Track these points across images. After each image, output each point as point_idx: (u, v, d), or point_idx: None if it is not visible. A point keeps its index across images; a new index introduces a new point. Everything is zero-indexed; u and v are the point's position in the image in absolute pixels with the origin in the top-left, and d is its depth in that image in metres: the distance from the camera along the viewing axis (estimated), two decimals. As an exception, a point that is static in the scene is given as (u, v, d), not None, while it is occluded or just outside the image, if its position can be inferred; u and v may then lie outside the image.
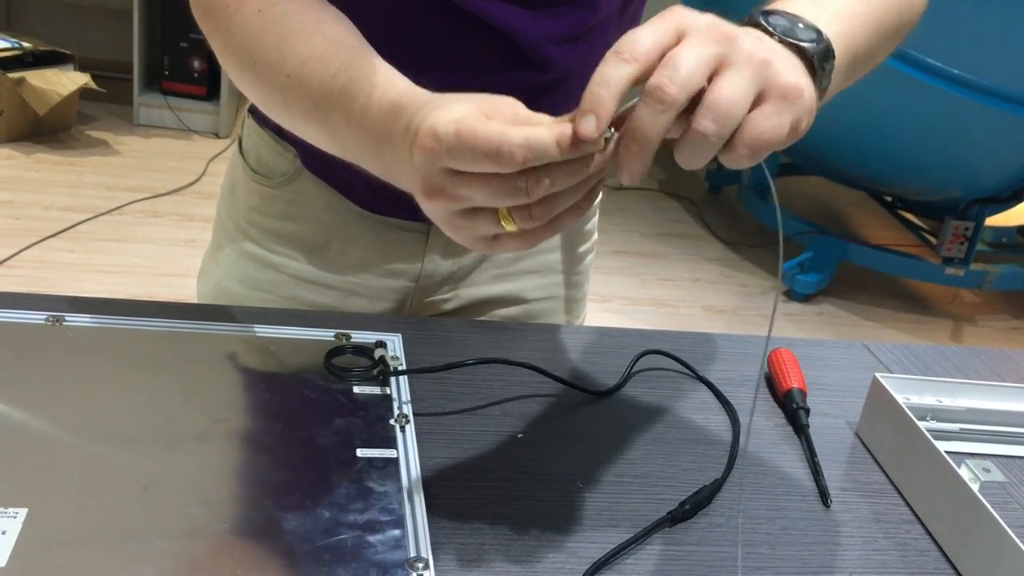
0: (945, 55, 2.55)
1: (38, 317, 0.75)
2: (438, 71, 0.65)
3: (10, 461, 0.60)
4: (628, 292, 2.93)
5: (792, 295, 3.09)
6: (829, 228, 3.29)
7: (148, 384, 0.70)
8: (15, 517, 0.55)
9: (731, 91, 0.49)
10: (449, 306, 0.94)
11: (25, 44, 3.04)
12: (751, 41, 0.52)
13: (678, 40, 0.50)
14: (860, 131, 2.87)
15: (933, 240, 3.28)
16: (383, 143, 0.58)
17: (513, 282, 0.96)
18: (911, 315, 3.14)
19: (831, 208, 3.87)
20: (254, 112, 0.90)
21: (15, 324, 0.74)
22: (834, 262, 3.12)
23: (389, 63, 0.62)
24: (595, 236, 1.03)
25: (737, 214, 3.61)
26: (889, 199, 3.71)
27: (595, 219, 1.02)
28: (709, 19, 0.51)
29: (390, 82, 0.59)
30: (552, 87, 0.80)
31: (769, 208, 3.30)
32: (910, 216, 3.64)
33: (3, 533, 0.54)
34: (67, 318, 0.75)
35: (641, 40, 0.49)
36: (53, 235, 2.55)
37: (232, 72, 0.69)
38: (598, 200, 0.94)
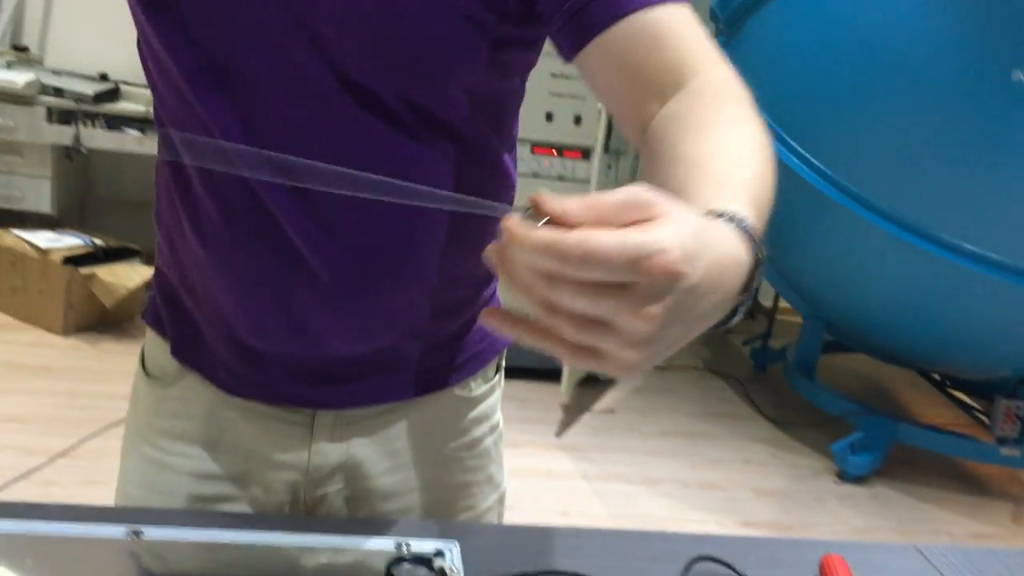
0: (982, 240, 2.60)
1: (118, 531, 0.79)
2: None
3: None
4: (677, 474, 2.92)
5: (844, 476, 3.04)
6: (878, 407, 3.27)
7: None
8: None
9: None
10: (341, 498, 0.93)
11: (96, 241, 3.23)
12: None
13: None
14: (903, 311, 2.90)
15: (986, 419, 3.24)
16: None
17: (404, 472, 0.94)
18: (969, 497, 3.07)
19: (879, 386, 3.86)
20: (144, 315, 0.96)
21: (95, 539, 0.78)
22: (885, 442, 3.08)
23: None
24: (493, 419, 1.00)
25: (783, 392, 3.60)
26: (938, 377, 3.69)
27: (490, 401, 0.99)
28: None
29: None
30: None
31: (816, 387, 3.30)
32: (960, 395, 3.61)
33: None
34: (145, 531, 0.80)
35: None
36: (113, 424, 2.63)
37: None
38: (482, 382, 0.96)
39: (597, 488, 2.73)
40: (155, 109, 0.84)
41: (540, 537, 0.91)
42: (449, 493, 0.97)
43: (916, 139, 2.58)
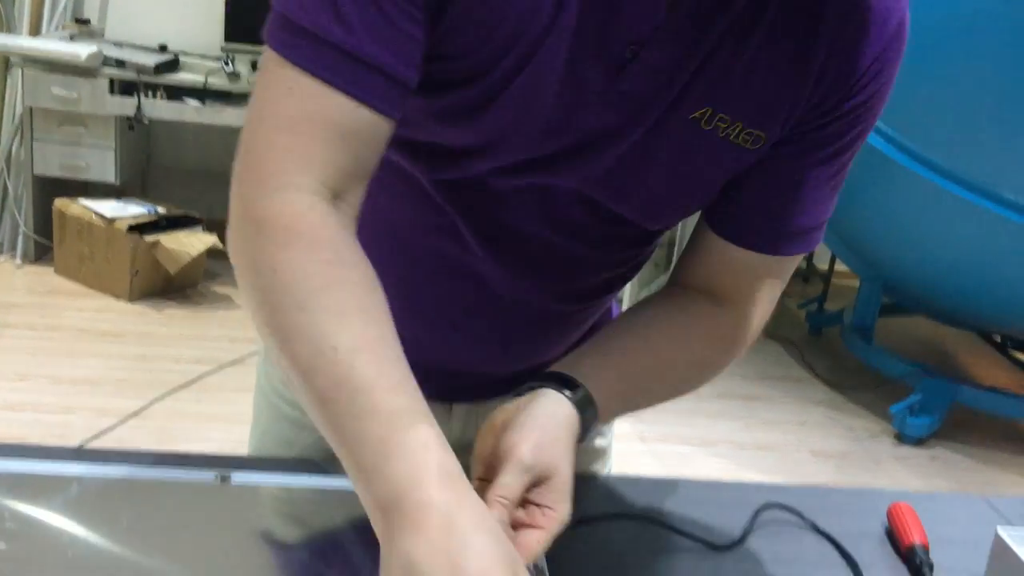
0: (1046, 197, 2.55)
1: (207, 476, 0.83)
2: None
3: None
4: (733, 436, 2.92)
5: (903, 438, 3.02)
6: (937, 369, 3.24)
7: (314, 544, 0.77)
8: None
9: None
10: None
11: (160, 209, 3.30)
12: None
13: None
14: (965, 271, 2.86)
15: (1049, 380, 3.19)
16: (395, 511, 0.56)
17: None
18: (1030, 459, 3.03)
19: (938, 349, 3.81)
20: None
21: (184, 483, 0.82)
22: (945, 404, 3.05)
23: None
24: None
25: (839, 355, 3.58)
26: (998, 339, 3.64)
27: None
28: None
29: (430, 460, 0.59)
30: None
31: (873, 349, 3.27)
32: (1022, 356, 3.55)
33: None
34: (234, 476, 0.83)
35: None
36: (181, 387, 2.70)
37: (258, 301, 0.63)
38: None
39: (654, 449, 2.75)
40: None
41: (608, 484, 0.93)
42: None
43: (977, 97, 2.53)
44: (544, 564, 0.76)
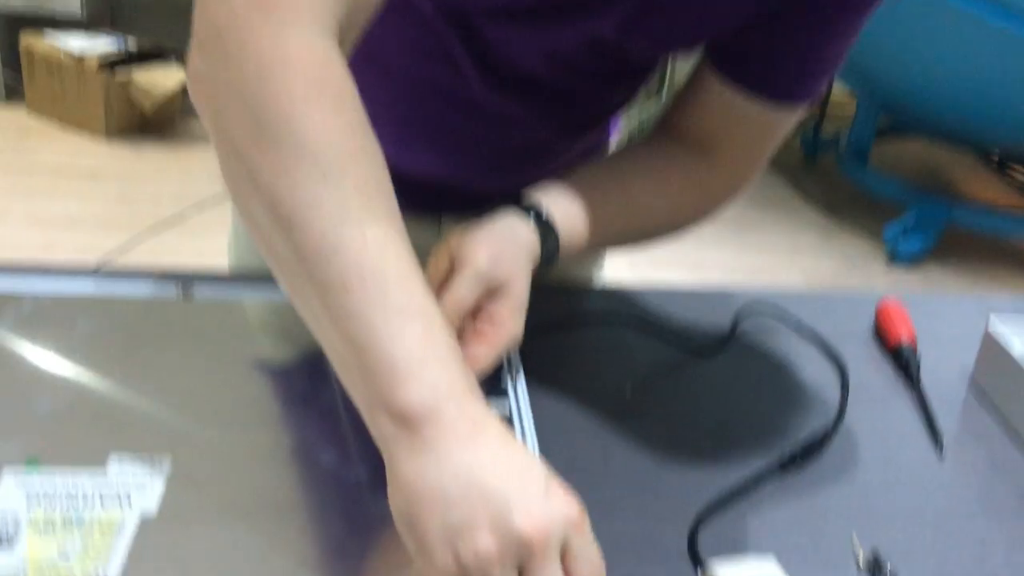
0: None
1: (169, 291, 0.80)
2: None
3: (154, 416, 0.64)
4: (724, 261, 2.91)
5: (897, 260, 3.01)
6: (932, 189, 3.19)
7: (280, 356, 0.74)
8: (161, 464, 0.59)
9: None
10: None
11: (130, 42, 3.16)
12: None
13: None
14: (966, 85, 2.77)
15: (1045, 198, 3.15)
16: (433, 421, 0.48)
17: None
18: None
19: (933, 171, 3.75)
20: None
21: (148, 299, 0.79)
22: (940, 224, 3.03)
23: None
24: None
25: (834, 181, 3.52)
26: (996, 159, 3.57)
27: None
28: None
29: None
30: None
31: (868, 171, 3.21)
32: (1018, 175, 3.50)
33: (152, 478, 0.58)
34: (197, 290, 0.80)
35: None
36: (163, 223, 2.66)
37: (253, 160, 0.51)
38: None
39: (643, 275, 2.73)
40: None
41: (586, 292, 0.90)
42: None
43: None
44: (519, 365, 0.73)
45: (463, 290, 0.64)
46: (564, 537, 0.46)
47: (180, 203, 2.78)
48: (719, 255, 2.93)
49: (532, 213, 0.70)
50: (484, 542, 0.44)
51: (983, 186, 3.62)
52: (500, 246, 0.66)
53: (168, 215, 2.70)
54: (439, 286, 0.65)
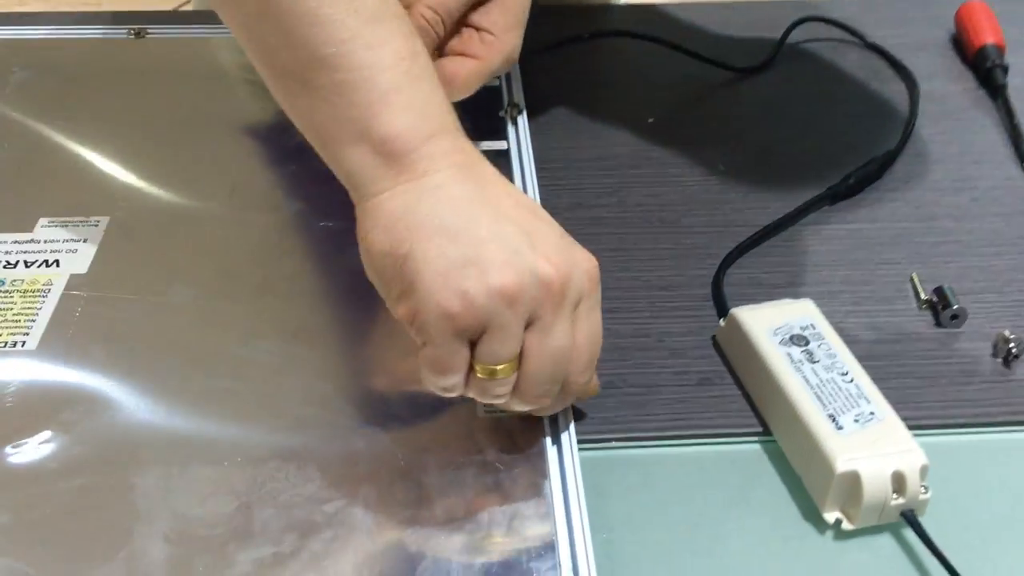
0: None
1: (119, 31, 0.70)
2: None
3: (93, 172, 0.56)
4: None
5: None
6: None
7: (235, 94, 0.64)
8: (96, 225, 0.51)
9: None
10: None
11: None
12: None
13: None
14: None
15: None
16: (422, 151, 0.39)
17: None
18: None
19: None
20: None
21: (98, 39, 0.69)
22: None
23: None
24: None
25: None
26: None
27: None
28: None
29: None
30: None
31: None
32: None
33: (84, 241, 0.50)
34: (150, 30, 0.70)
35: None
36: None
37: None
38: None
39: None
40: None
41: (609, 9, 0.77)
42: None
43: None
44: (519, 92, 0.62)
45: None
46: (580, 291, 0.38)
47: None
48: None
49: None
50: (500, 277, 0.36)
51: None
52: None
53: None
54: None
